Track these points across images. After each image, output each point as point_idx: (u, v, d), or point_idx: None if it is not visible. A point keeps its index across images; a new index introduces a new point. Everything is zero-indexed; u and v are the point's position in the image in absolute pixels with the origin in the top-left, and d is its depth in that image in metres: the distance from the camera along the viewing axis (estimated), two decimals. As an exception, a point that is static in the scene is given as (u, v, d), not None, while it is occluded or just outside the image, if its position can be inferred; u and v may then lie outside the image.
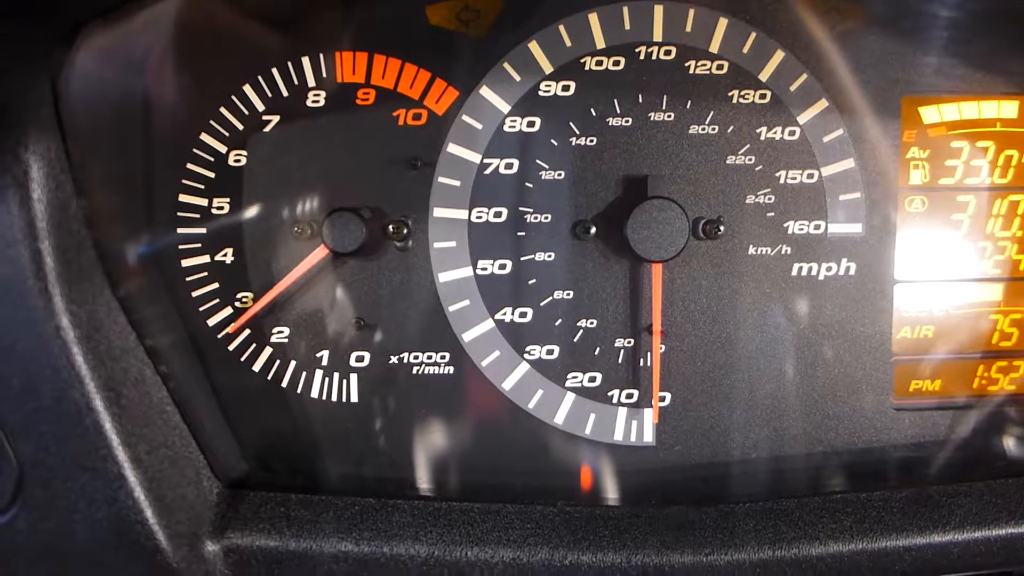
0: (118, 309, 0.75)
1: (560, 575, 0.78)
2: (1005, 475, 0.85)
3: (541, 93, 0.86)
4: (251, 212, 0.86)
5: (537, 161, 0.86)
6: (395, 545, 0.78)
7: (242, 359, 0.88)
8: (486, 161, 0.86)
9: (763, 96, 0.86)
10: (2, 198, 0.67)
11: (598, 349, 0.88)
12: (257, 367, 0.89)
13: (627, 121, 0.86)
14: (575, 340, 0.88)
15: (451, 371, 0.89)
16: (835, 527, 0.80)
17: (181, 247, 0.86)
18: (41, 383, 0.69)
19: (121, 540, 0.73)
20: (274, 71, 0.85)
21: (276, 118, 0.86)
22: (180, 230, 0.86)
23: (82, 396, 0.70)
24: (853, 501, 0.82)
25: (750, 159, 0.87)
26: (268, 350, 0.88)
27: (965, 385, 0.92)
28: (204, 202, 0.86)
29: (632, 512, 0.82)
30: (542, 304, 0.88)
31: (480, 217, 0.87)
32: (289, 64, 0.85)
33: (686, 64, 0.86)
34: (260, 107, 0.85)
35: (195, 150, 0.85)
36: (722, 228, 0.86)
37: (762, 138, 0.86)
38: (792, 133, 0.87)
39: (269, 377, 0.89)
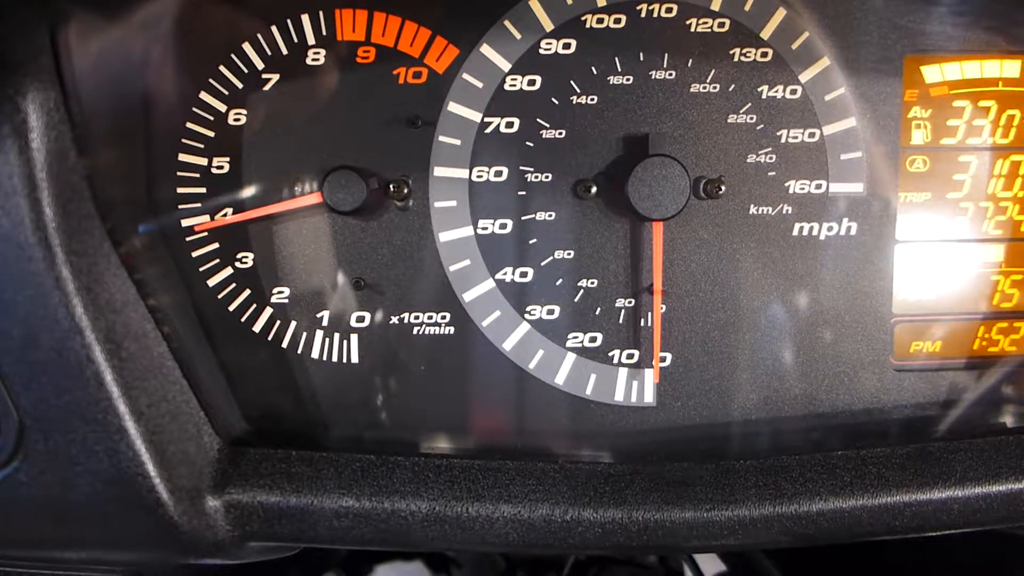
0: (118, 263, 0.75)
1: (561, 531, 0.78)
2: (1006, 433, 0.85)
3: (542, 51, 0.85)
4: (251, 171, 0.86)
5: (538, 120, 0.86)
6: (396, 500, 0.78)
7: (242, 320, 0.88)
8: (487, 120, 0.86)
9: (764, 54, 0.86)
10: (1, 147, 0.66)
11: (599, 309, 0.88)
12: (257, 328, 0.88)
13: (628, 79, 0.86)
14: (576, 300, 0.88)
15: (451, 331, 0.89)
16: (835, 483, 0.80)
17: (181, 207, 0.86)
18: (41, 334, 0.69)
19: (122, 493, 0.73)
20: (273, 29, 0.84)
21: (276, 76, 0.85)
22: (180, 190, 0.86)
23: (82, 347, 0.70)
24: (853, 458, 0.83)
25: (751, 118, 0.86)
26: (268, 311, 0.88)
27: (965, 346, 0.92)
28: (204, 161, 0.86)
29: (633, 469, 0.82)
30: (543, 264, 0.88)
31: (481, 176, 0.87)
32: (289, 22, 0.84)
33: (687, 22, 0.85)
34: (260, 65, 0.85)
35: (194, 109, 0.85)
36: (723, 187, 0.86)
37: (763, 97, 0.86)
38: (793, 92, 0.86)
39: (269, 338, 0.89)
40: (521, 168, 0.86)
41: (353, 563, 1.42)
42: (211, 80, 0.85)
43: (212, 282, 0.87)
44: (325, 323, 0.88)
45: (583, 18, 0.85)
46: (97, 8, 0.78)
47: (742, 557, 1.21)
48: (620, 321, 0.89)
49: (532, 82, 0.86)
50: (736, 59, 0.86)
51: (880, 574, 1.24)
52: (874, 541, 0.85)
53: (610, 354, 0.89)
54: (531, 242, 0.87)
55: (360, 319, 0.88)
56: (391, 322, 0.88)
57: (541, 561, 1.36)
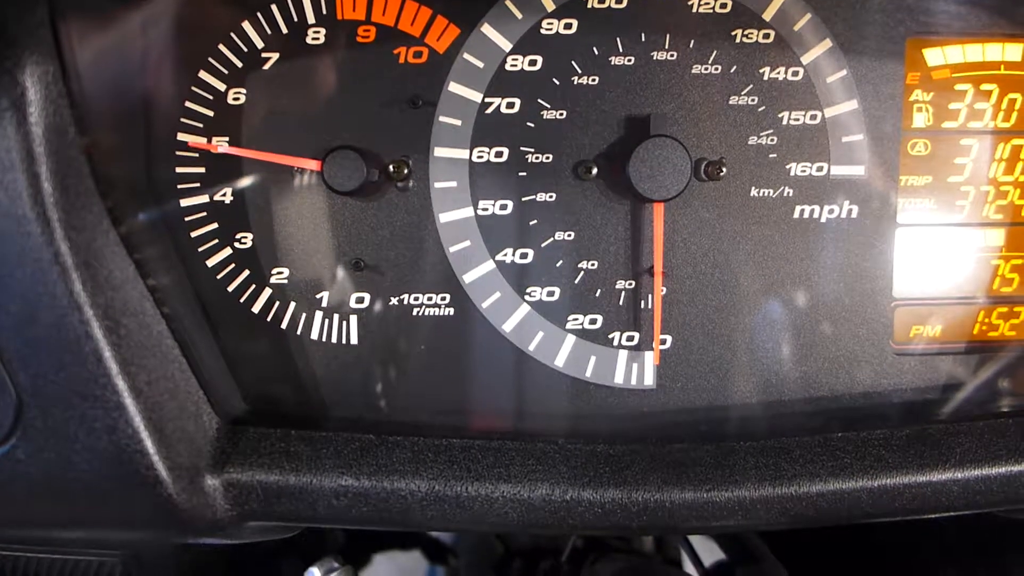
0: (117, 240, 0.74)
1: (561, 510, 0.78)
2: (1006, 416, 0.85)
3: (543, 31, 0.85)
4: (250, 151, 0.86)
5: (539, 100, 0.86)
6: (395, 480, 0.78)
7: (241, 300, 0.88)
8: (487, 100, 0.86)
9: (766, 35, 0.85)
10: (-1, 121, 0.66)
11: (599, 291, 0.88)
12: (256, 308, 0.88)
13: (629, 60, 0.85)
14: (576, 282, 0.88)
15: (451, 313, 0.88)
16: (834, 465, 0.80)
17: (180, 186, 0.86)
18: (39, 310, 0.69)
19: (121, 470, 0.72)
20: (273, 7, 0.84)
21: (275, 56, 0.85)
22: (179, 169, 0.86)
23: (81, 323, 0.69)
24: (853, 440, 0.83)
25: (753, 99, 0.86)
26: (267, 291, 0.88)
27: (965, 331, 0.92)
28: (203, 141, 0.85)
29: (633, 450, 0.82)
30: (543, 245, 0.87)
31: (481, 157, 0.86)
32: (288, 0, 0.84)
33: (689, 2, 0.85)
34: (259, 44, 0.84)
35: (193, 88, 0.85)
36: (724, 169, 0.85)
37: (765, 78, 0.86)
38: (795, 73, 0.86)
39: (268, 319, 0.88)
40: (522, 149, 0.86)
41: (351, 550, 1.42)
42: (210, 59, 0.84)
43: (211, 262, 0.87)
44: (324, 304, 0.88)
45: (585, -2, 0.85)
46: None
47: (738, 541, 1.21)
48: (620, 303, 0.88)
49: (533, 62, 0.85)
50: (738, 40, 0.85)
51: (875, 559, 1.24)
52: (869, 526, 0.85)
53: (610, 336, 0.89)
54: (531, 223, 0.87)
55: (360, 300, 0.88)
56: (391, 303, 0.88)
57: (539, 548, 1.36)
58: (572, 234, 0.87)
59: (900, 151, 0.88)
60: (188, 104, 0.85)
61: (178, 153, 0.85)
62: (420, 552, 1.55)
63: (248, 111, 0.85)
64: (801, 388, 0.90)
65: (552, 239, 0.87)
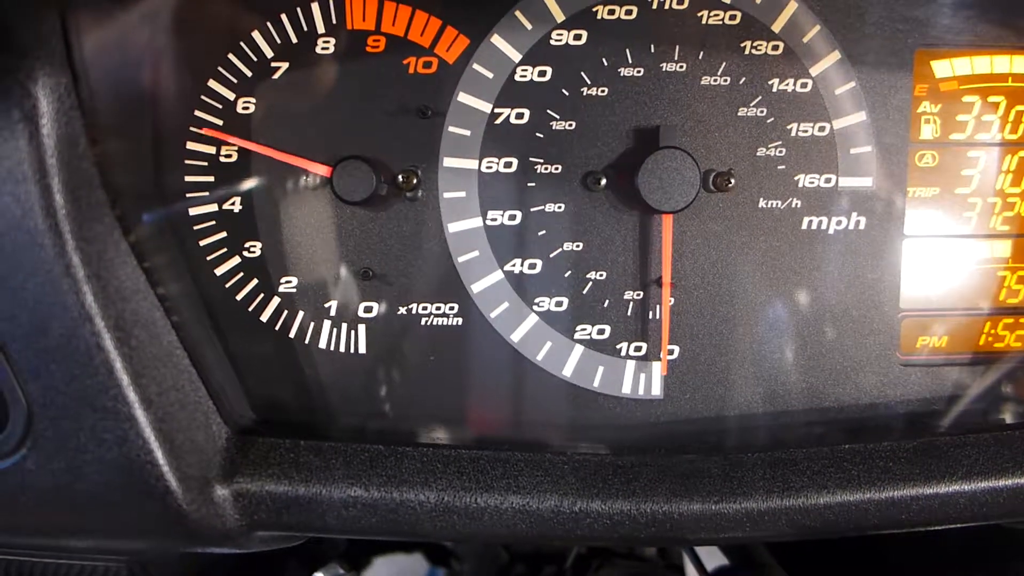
0: (128, 251, 0.75)
1: (569, 521, 0.78)
2: (1012, 427, 0.85)
3: (553, 42, 0.85)
4: (259, 160, 0.86)
5: (548, 111, 0.86)
6: (405, 491, 0.78)
7: (250, 309, 0.88)
8: (497, 111, 0.86)
9: (775, 47, 0.86)
10: (11, 133, 0.66)
11: (607, 301, 0.88)
12: (265, 317, 0.88)
13: (639, 71, 0.85)
14: (584, 292, 0.88)
15: (459, 322, 0.88)
16: (842, 476, 0.81)
17: (189, 195, 0.86)
18: (51, 322, 0.69)
19: (131, 481, 0.73)
20: (283, 17, 0.84)
21: (285, 65, 0.85)
22: (188, 178, 0.86)
23: (92, 335, 0.69)
24: (860, 451, 0.83)
25: (762, 111, 0.86)
26: (276, 300, 0.88)
27: (972, 342, 0.93)
28: (212, 150, 0.85)
29: (641, 461, 0.82)
30: (551, 256, 0.88)
31: (490, 167, 0.86)
32: (298, 10, 0.84)
33: (699, 14, 0.85)
34: (269, 54, 0.84)
35: (203, 97, 0.85)
36: (733, 180, 0.85)
37: (774, 90, 0.86)
38: (804, 85, 0.86)
39: (277, 328, 0.88)
40: (531, 159, 0.86)
41: (353, 555, 1.42)
42: (220, 68, 0.84)
43: (220, 271, 0.87)
44: (333, 313, 0.88)
45: (594, 9, 0.85)
46: (106, -5, 0.78)
47: (742, 548, 1.21)
48: (628, 314, 0.89)
49: (543, 73, 0.85)
50: (747, 52, 0.85)
51: (879, 568, 1.24)
52: (873, 537, 0.85)
53: (618, 346, 0.89)
54: (540, 234, 0.87)
55: (368, 309, 0.88)
56: (399, 313, 0.88)
57: (543, 554, 1.36)
58: (581, 245, 0.87)
59: (908, 163, 0.88)
60: (197, 113, 0.85)
61: (187, 162, 0.85)
62: (423, 556, 1.55)
63: (257, 120, 0.85)
64: (808, 398, 0.90)
65: (560, 249, 0.88)
